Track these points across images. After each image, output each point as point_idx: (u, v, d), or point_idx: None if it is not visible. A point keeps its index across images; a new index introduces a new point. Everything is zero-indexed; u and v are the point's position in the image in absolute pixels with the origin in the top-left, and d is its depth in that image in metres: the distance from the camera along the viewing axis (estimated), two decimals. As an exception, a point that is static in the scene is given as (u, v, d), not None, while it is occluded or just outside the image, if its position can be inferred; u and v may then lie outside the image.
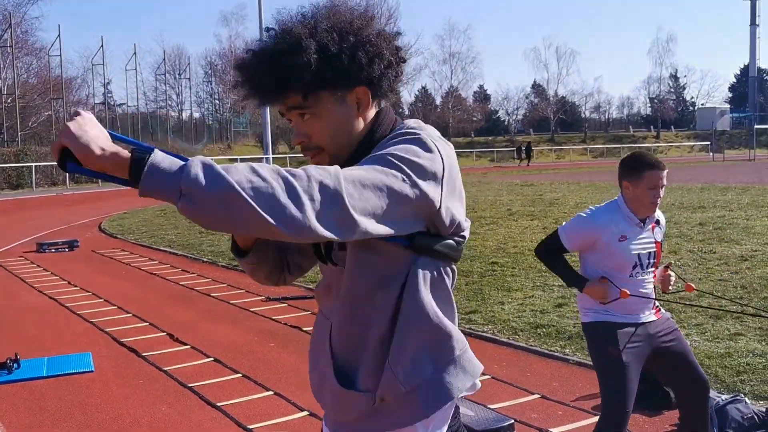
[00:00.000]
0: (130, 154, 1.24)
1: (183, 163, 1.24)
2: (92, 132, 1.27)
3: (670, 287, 3.31)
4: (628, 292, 3.07)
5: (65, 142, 1.25)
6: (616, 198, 3.22)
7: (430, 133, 1.50)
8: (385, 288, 1.50)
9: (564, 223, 3.31)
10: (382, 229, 1.37)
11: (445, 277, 1.55)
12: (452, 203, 1.48)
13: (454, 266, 1.58)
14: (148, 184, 1.22)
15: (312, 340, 1.72)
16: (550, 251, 3.30)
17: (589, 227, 3.17)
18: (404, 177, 1.38)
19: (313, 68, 1.45)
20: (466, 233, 1.56)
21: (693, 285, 3.27)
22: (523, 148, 53.76)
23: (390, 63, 1.54)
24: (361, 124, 1.56)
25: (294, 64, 1.45)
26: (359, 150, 1.54)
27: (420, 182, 1.39)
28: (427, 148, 1.44)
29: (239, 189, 1.21)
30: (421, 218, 1.45)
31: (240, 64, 1.55)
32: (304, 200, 1.25)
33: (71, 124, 1.26)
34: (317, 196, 1.26)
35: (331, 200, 1.27)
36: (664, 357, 3.20)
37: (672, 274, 3.32)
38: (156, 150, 1.25)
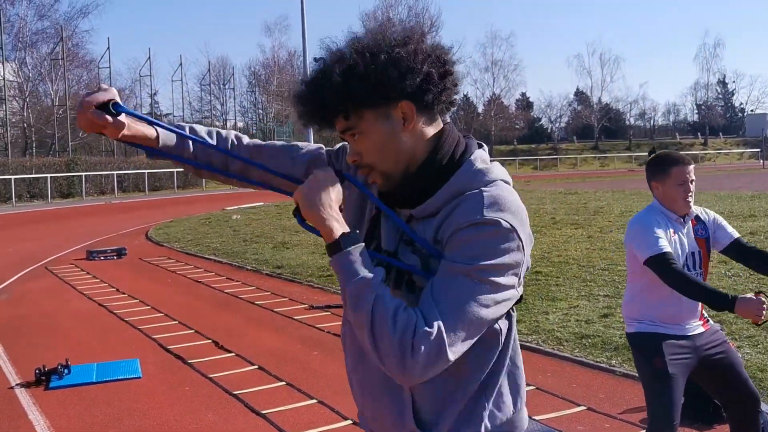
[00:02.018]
0: (338, 236, 1.46)
1: (354, 277, 1.43)
2: (320, 196, 1.49)
3: (763, 317, 2.82)
4: None
5: (296, 197, 1.50)
6: (651, 203, 3.17)
7: (506, 198, 1.50)
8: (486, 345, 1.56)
9: (642, 250, 3.00)
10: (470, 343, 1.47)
11: (512, 326, 1.64)
12: (526, 265, 1.54)
13: None
14: (334, 269, 1.48)
15: (361, 381, 1.71)
16: (674, 269, 2.93)
17: (649, 222, 3.05)
18: (492, 285, 1.45)
19: (341, 89, 1.49)
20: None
21: None
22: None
23: (429, 76, 1.53)
24: (411, 140, 1.55)
25: (325, 88, 1.51)
26: (423, 174, 1.56)
27: (506, 280, 1.46)
28: (507, 238, 1.46)
29: (368, 325, 1.40)
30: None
31: (294, 97, 1.63)
32: (410, 356, 1.38)
33: (302, 187, 1.50)
34: (424, 356, 1.39)
35: (437, 357, 1.40)
36: (712, 370, 3.12)
37: (765, 300, 2.85)
38: (352, 250, 1.45)
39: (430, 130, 1.58)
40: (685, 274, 2.92)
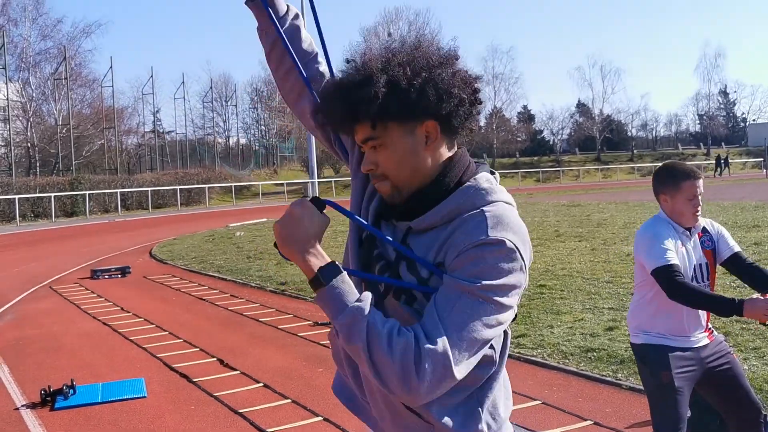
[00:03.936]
0: (316, 272, 1.46)
1: (342, 308, 1.43)
2: (295, 233, 1.48)
3: None
4: None
5: (276, 229, 1.50)
6: (657, 214, 3.17)
7: (509, 218, 1.52)
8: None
9: (649, 261, 3.01)
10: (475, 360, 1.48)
11: (507, 343, 1.69)
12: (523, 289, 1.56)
13: None
14: (320, 305, 1.48)
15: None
16: (678, 282, 2.92)
17: (662, 236, 3.03)
18: (495, 306, 1.46)
19: (379, 100, 1.50)
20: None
21: None
22: (722, 160, 54.01)
23: (462, 101, 1.55)
24: (429, 159, 1.57)
25: (363, 96, 1.50)
26: (429, 192, 1.58)
27: (508, 300, 1.48)
28: (511, 258, 1.47)
29: (366, 355, 1.40)
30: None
31: (321, 93, 1.66)
32: (417, 380, 1.39)
33: (278, 225, 1.49)
34: (429, 375, 1.39)
35: (442, 376, 1.41)
36: (715, 381, 3.11)
37: None
38: (335, 282, 1.44)
39: (446, 153, 1.60)
40: (689, 285, 2.92)
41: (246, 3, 1.87)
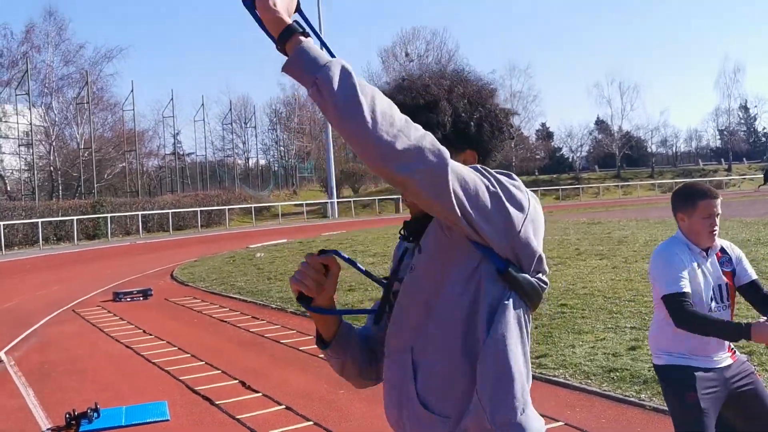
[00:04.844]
0: (288, 24, 1.39)
1: (327, 59, 1.35)
2: None
3: None
4: None
5: None
6: (674, 234, 3.17)
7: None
8: (480, 321, 1.53)
9: (661, 285, 3.02)
10: (469, 205, 1.43)
11: (528, 324, 1.60)
12: (532, 234, 1.54)
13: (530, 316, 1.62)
14: (291, 63, 1.37)
15: (386, 378, 1.74)
16: (685, 311, 2.92)
17: (674, 256, 3.04)
18: (493, 187, 1.47)
19: (439, 129, 1.54)
20: (547, 280, 1.62)
21: None
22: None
23: (505, 137, 1.64)
24: None
25: (430, 122, 1.54)
26: None
27: (506, 201, 1.48)
28: (516, 185, 1.52)
29: (363, 104, 1.31)
30: (504, 238, 1.50)
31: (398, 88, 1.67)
32: (414, 144, 1.34)
33: None
34: (426, 145, 1.35)
35: (435, 154, 1.36)
36: (739, 402, 3.08)
37: None
38: (309, 39, 1.39)
39: None
40: (696, 313, 2.91)
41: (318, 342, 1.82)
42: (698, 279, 3.04)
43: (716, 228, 3.06)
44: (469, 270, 1.53)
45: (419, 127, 1.38)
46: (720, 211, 3.08)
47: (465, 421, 1.54)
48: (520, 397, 1.54)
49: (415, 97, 1.58)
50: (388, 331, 1.70)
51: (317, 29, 1.55)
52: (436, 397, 1.58)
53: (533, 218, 1.53)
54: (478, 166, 1.49)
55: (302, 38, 1.38)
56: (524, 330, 1.57)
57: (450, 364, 1.57)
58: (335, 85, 1.31)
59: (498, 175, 1.50)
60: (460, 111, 1.56)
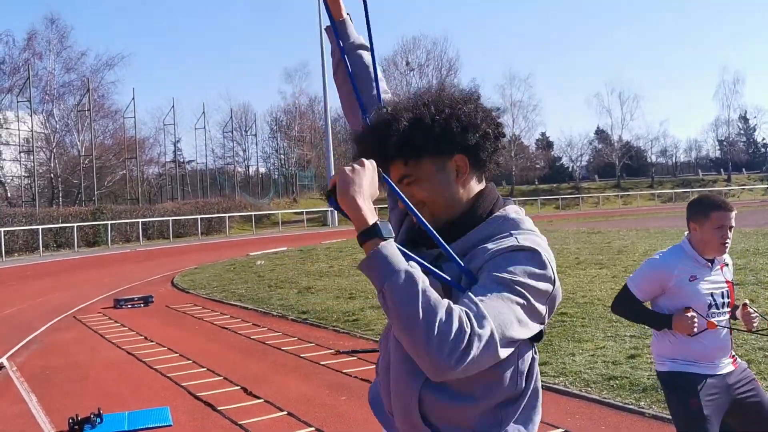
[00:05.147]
0: (371, 225, 1.42)
1: (398, 267, 1.39)
2: (360, 184, 1.46)
3: (755, 324, 3.19)
4: (715, 322, 3.06)
5: (337, 178, 1.48)
6: (680, 242, 3.23)
7: (539, 241, 1.60)
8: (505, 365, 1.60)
9: (632, 275, 3.31)
10: (517, 339, 1.50)
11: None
12: (555, 303, 1.61)
13: None
14: (366, 266, 1.42)
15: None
16: (625, 305, 3.28)
17: (657, 270, 3.19)
18: (527, 303, 1.50)
19: (406, 136, 1.61)
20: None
21: None
22: None
23: (486, 134, 1.67)
24: (461, 191, 1.68)
25: (389, 132, 1.62)
26: (461, 223, 1.66)
27: (538, 306, 1.53)
28: (543, 266, 1.54)
29: (420, 320, 1.35)
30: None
31: (354, 138, 1.77)
32: (462, 349, 1.37)
33: (347, 169, 1.48)
34: (479, 350, 1.39)
35: (483, 347, 1.40)
36: (742, 410, 3.12)
37: (752, 311, 3.20)
38: (390, 242, 1.42)
39: (477, 187, 1.71)
40: (629, 304, 3.24)
41: (325, 28, 2.13)
42: (699, 287, 3.10)
43: (728, 240, 3.12)
44: None
45: (465, 320, 1.38)
46: (733, 224, 3.14)
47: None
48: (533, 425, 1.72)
49: (383, 117, 1.68)
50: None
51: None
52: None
53: (557, 293, 1.60)
54: (510, 280, 1.49)
55: (381, 242, 1.41)
56: (528, 374, 1.70)
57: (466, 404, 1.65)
58: (398, 298, 1.37)
59: (527, 281, 1.50)
60: (423, 116, 1.62)
